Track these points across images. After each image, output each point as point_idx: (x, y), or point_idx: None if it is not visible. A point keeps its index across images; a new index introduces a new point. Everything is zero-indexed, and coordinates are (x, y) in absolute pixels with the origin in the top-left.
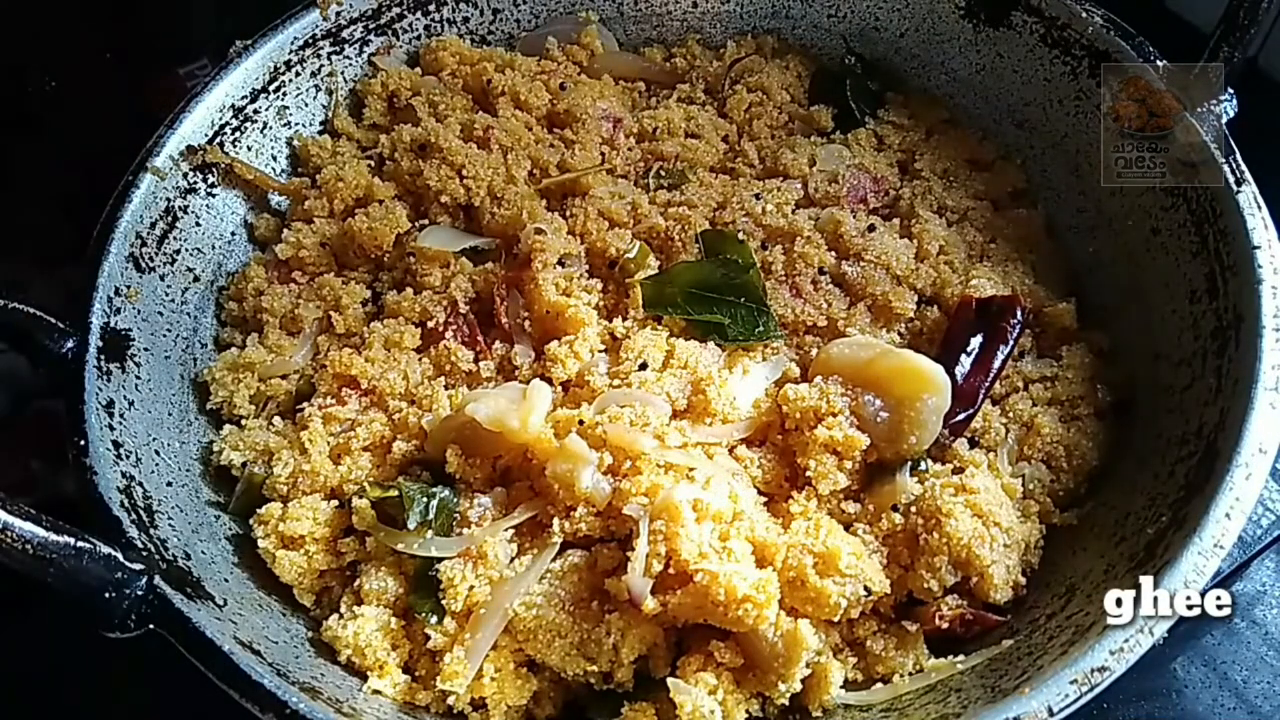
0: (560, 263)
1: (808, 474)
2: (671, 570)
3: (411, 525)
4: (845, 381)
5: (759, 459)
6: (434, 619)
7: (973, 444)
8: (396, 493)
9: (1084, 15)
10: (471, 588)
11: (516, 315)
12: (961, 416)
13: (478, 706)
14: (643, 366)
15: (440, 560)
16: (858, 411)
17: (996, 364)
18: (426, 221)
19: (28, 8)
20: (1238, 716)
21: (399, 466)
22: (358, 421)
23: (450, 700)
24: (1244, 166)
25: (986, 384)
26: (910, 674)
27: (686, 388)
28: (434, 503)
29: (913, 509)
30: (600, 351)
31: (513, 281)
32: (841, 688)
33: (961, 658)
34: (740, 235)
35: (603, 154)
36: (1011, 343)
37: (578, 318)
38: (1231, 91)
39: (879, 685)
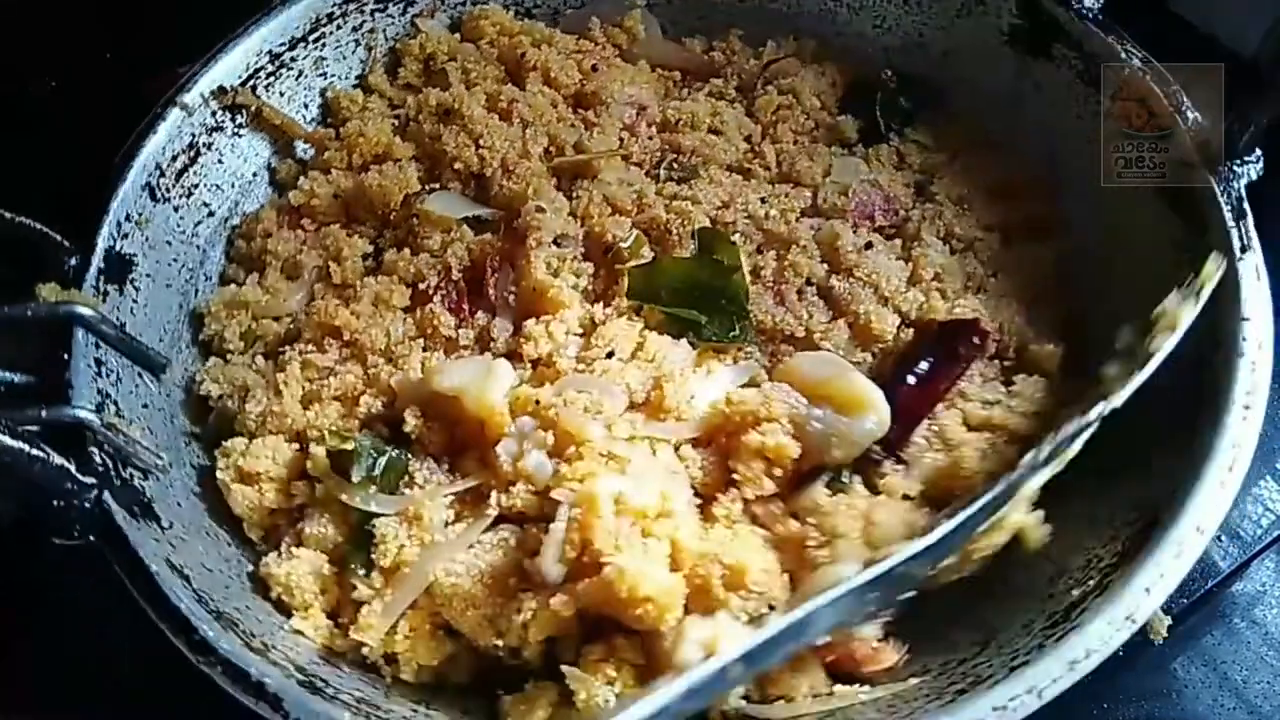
0: (555, 242)
1: (737, 477)
2: (586, 559)
3: (355, 479)
4: (793, 390)
5: (702, 460)
6: (362, 571)
7: (900, 461)
8: (352, 445)
9: (1123, 56)
10: (402, 546)
11: (504, 289)
12: (896, 434)
13: (390, 661)
14: (609, 355)
15: (378, 516)
16: (795, 419)
17: (942, 387)
18: (437, 185)
19: (28, 8)
20: (1238, 716)
21: (363, 420)
22: (334, 371)
23: (364, 651)
24: (1254, 234)
25: (929, 405)
26: (813, 696)
27: (648, 381)
28: (383, 460)
29: (813, 521)
30: (576, 335)
31: (507, 255)
32: (743, 699)
33: (867, 688)
34: (735, 237)
35: (621, 139)
36: (962, 366)
37: (559, 299)
38: (1259, 153)
39: (781, 702)
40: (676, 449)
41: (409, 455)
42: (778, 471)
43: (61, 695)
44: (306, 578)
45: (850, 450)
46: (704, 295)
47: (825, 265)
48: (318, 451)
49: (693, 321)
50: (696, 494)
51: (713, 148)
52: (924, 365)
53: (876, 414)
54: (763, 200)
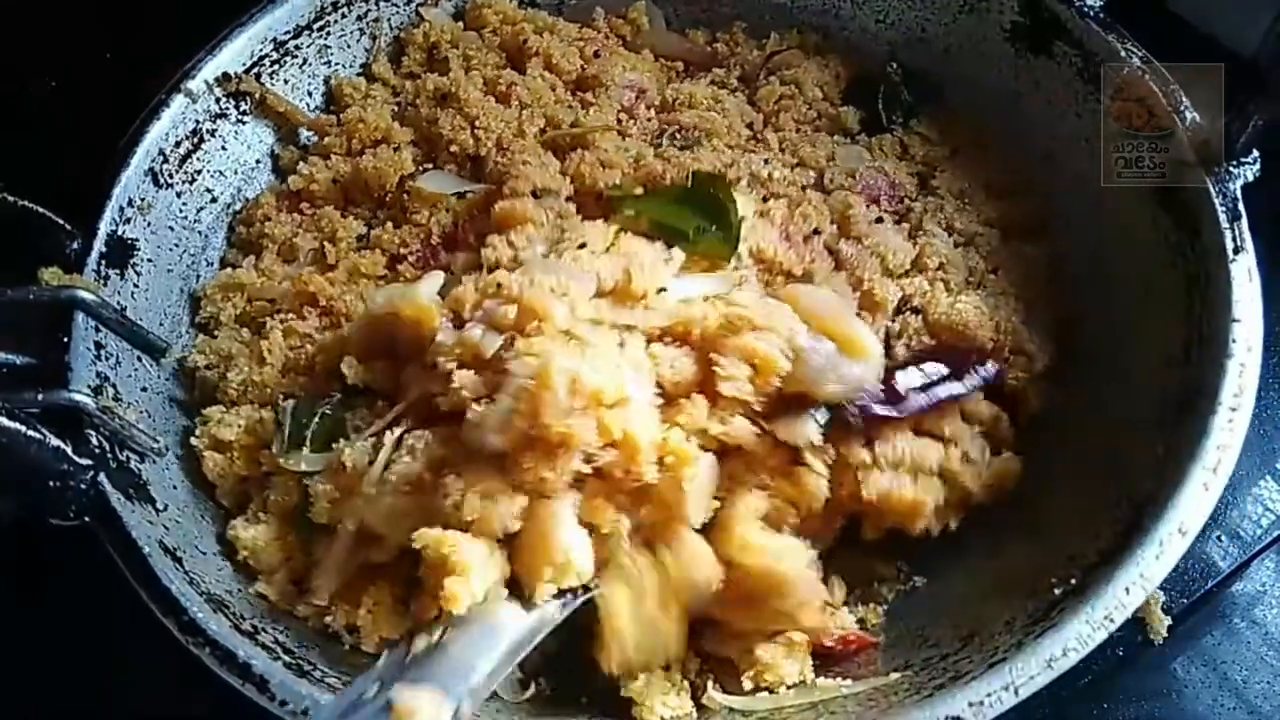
0: (534, 194)
1: (715, 370)
2: (534, 433)
3: (281, 443)
4: (795, 314)
5: (674, 359)
6: (308, 535)
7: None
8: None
9: (1122, 54)
10: (335, 502)
11: (480, 234)
12: (877, 410)
13: (352, 630)
14: (581, 246)
15: (312, 475)
16: (794, 342)
17: (941, 393)
18: (431, 167)
19: (28, 8)
20: (1238, 716)
21: (322, 380)
22: (313, 339)
23: (328, 619)
24: (1247, 235)
25: (921, 404)
26: (794, 688)
27: (619, 272)
28: (315, 421)
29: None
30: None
31: (485, 204)
32: (726, 692)
33: (849, 682)
34: (741, 184)
35: (619, 120)
36: (966, 388)
37: (525, 214)
38: (1257, 154)
39: (764, 694)
40: (647, 344)
41: (346, 412)
42: (760, 382)
43: (62, 694)
44: (272, 544)
45: (842, 391)
46: (694, 214)
47: (835, 228)
48: (267, 416)
49: (679, 231)
50: (662, 392)
51: (713, 124)
52: (934, 369)
53: (873, 366)
54: (765, 162)
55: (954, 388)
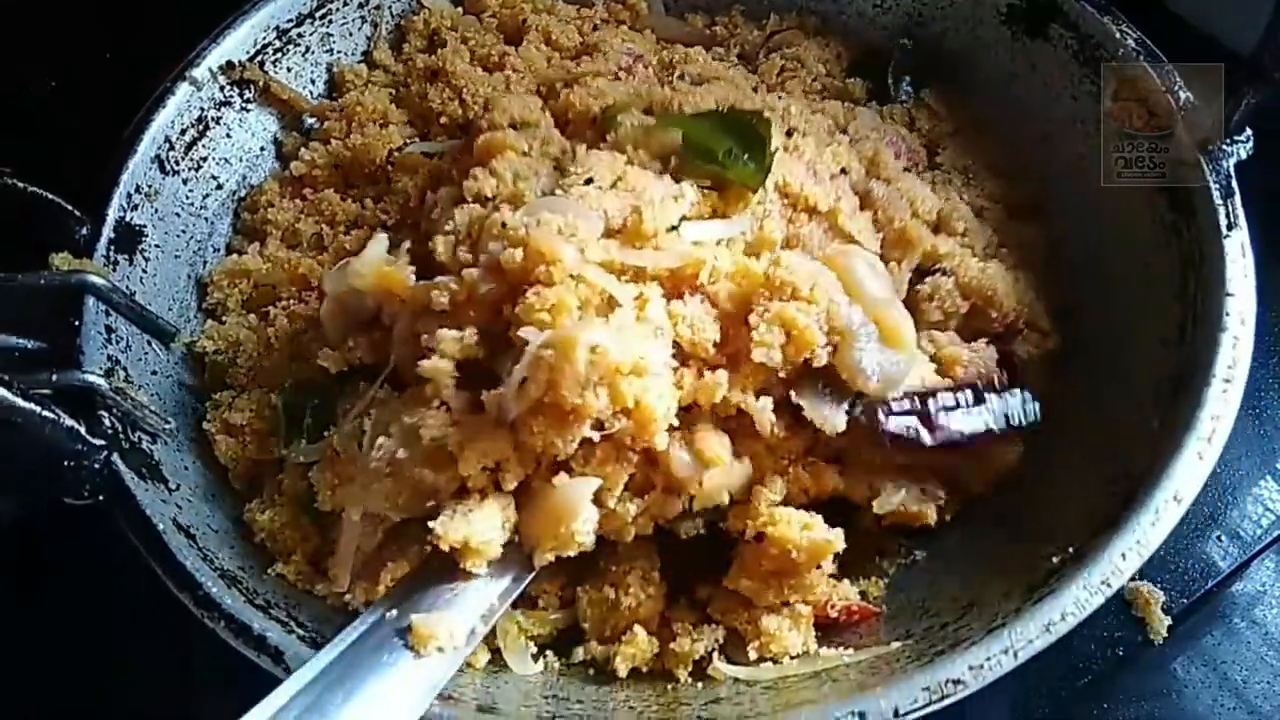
0: (513, 125)
1: (753, 336)
2: (548, 400)
3: (278, 443)
4: (840, 287)
5: (694, 318)
6: (317, 519)
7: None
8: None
9: (1118, 36)
10: (335, 489)
11: (464, 170)
12: (910, 437)
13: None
14: (588, 182)
15: (312, 466)
16: (835, 318)
17: (975, 427)
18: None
19: (28, 8)
20: (1238, 716)
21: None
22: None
23: (347, 598)
24: (1240, 211)
25: (954, 438)
26: (798, 658)
27: (626, 209)
28: (307, 414)
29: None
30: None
31: (467, 147)
32: (731, 663)
33: (851, 652)
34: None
35: (617, 76)
36: (998, 427)
37: (504, 143)
38: (1250, 133)
39: (768, 664)
40: (667, 301)
41: (336, 399)
42: (790, 351)
43: (62, 694)
44: (288, 527)
45: (880, 388)
46: (726, 137)
47: (862, 169)
48: (274, 405)
49: (709, 151)
50: (680, 352)
51: (719, 73)
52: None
53: (907, 360)
54: (779, 98)
55: (988, 420)
